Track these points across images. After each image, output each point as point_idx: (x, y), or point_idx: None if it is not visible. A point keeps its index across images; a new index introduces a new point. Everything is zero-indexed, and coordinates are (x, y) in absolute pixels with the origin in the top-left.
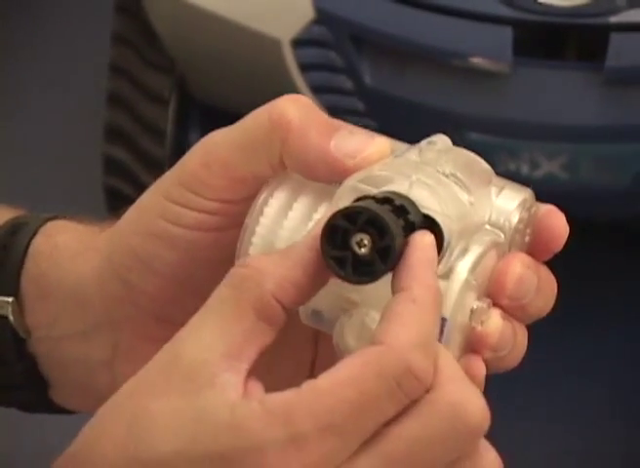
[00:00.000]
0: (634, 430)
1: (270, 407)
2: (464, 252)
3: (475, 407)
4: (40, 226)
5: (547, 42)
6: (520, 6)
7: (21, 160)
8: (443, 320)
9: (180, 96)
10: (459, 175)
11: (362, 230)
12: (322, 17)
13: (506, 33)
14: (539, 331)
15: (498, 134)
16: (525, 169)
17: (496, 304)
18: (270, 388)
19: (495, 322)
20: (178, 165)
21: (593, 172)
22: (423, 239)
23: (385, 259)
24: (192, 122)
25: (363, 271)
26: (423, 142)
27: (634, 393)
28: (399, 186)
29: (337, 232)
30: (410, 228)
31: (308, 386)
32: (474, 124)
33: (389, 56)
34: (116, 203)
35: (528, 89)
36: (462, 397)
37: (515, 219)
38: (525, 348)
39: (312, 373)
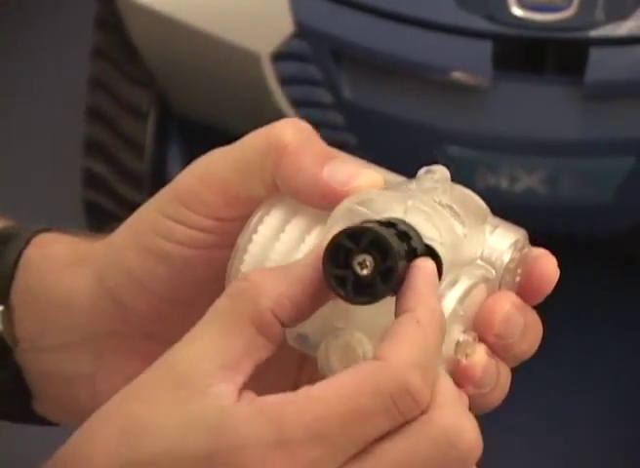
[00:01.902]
0: (619, 444)
1: (261, 407)
2: (454, 282)
3: (469, 433)
4: (32, 237)
5: (527, 56)
6: (500, 20)
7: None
8: None
9: (159, 110)
10: (455, 207)
11: (365, 251)
12: (302, 31)
13: (486, 47)
14: None
15: (477, 148)
16: (504, 183)
17: (481, 341)
18: None
19: (480, 356)
20: (174, 181)
21: (573, 186)
22: (427, 264)
23: (387, 281)
24: (172, 136)
25: (363, 292)
26: (422, 171)
27: (620, 407)
28: (394, 211)
29: (339, 251)
30: (412, 254)
31: (303, 392)
32: (454, 138)
33: (369, 70)
34: (95, 217)
35: (507, 103)
36: (457, 422)
37: (507, 259)
38: (507, 389)
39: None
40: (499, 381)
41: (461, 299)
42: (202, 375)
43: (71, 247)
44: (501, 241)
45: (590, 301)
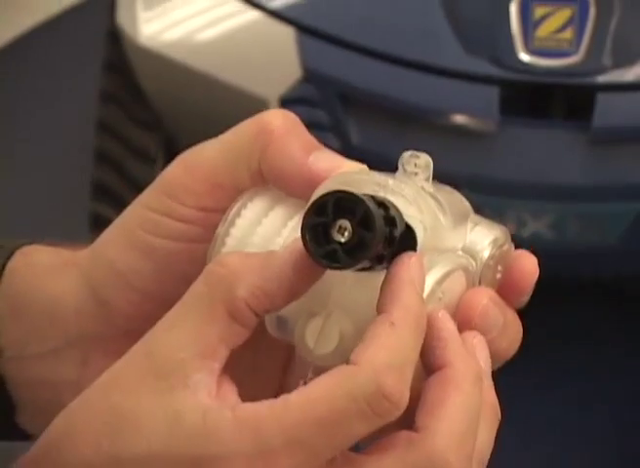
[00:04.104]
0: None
1: (242, 417)
2: (433, 265)
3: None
4: (16, 248)
5: (534, 101)
6: (507, 65)
7: (6, 220)
8: None
9: (167, 153)
10: (437, 196)
11: (337, 217)
12: (310, 75)
13: (493, 93)
14: (522, 389)
15: (484, 192)
16: (511, 228)
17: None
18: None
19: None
20: (160, 175)
21: (579, 231)
22: (409, 259)
23: (370, 229)
24: None
25: (355, 253)
26: (406, 154)
27: (619, 452)
28: (375, 191)
29: (317, 228)
30: (390, 222)
31: (280, 400)
32: (461, 182)
33: (377, 115)
34: None
35: (514, 148)
36: (447, 455)
37: (487, 254)
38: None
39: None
40: None
41: (440, 281)
42: (180, 365)
43: (56, 253)
44: (482, 237)
45: (591, 343)
